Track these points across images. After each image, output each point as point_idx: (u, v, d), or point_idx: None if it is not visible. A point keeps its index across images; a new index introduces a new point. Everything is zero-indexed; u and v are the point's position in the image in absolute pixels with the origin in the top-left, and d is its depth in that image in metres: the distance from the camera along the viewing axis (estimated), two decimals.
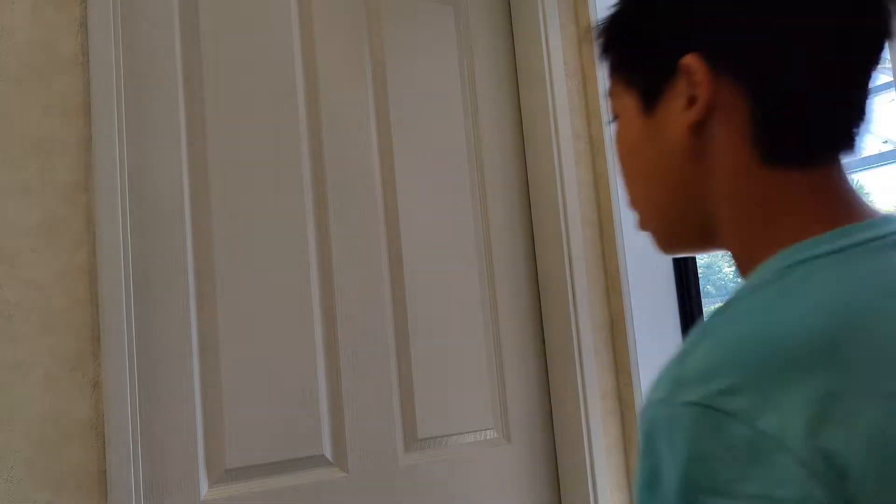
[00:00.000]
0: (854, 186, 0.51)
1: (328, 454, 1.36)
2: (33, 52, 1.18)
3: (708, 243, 0.57)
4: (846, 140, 0.51)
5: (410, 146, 1.53)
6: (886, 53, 0.49)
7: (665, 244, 0.60)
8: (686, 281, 1.67)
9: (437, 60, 1.60)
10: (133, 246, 1.21)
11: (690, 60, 0.51)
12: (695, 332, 0.46)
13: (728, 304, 0.47)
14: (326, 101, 1.45)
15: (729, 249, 0.55)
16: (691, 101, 0.51)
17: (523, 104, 1.68)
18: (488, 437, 1.54)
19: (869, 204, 0.51)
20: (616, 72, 0.59)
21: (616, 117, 0.60)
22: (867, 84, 0.51)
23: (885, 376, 0.39)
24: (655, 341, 1.61)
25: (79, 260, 1.18)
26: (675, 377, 0.43)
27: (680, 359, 0.44)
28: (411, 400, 1.45)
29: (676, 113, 0.53)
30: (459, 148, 1.59)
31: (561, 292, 1.58)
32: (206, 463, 1.25)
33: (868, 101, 0.51)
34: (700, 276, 1.85)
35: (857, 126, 0.51)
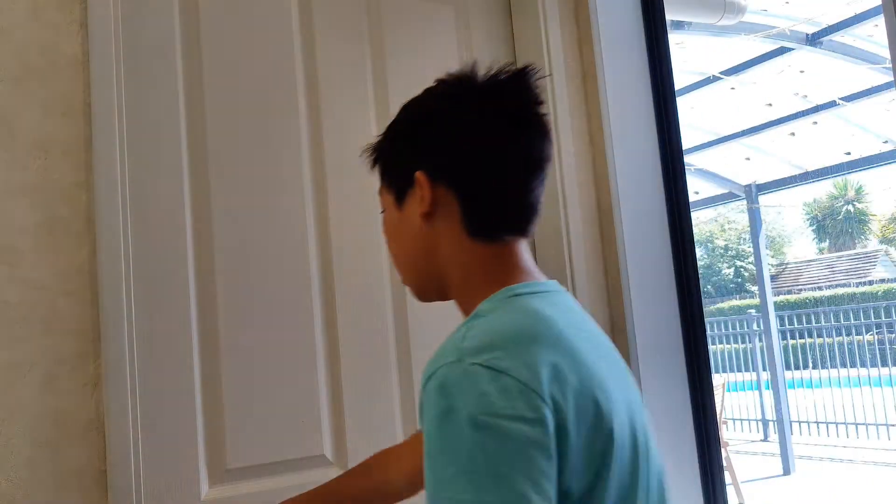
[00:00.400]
0: (530, 257, 0.82)
1: (328, 454, 1.36)
2: (33, 52, 1.18)
3: (447, 295, 0.84)
4: (523, 228, 0.82)
5: None
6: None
7: (419, 295, 0.88)
8: (686, 281, 1.67)
9: (437, 60, 1.60)
10: (133, 246, 1.21)
11: (418, 175, 0.80)
12: (459, 330, 0.72)
13: (476, 315, 0.75)
14: (327, 100, 1.45)
15: (456, 299, 0.83)
16: (422, 199, 0.80)
17: None
18: None
19: (537, 269, 0.82)
20: (381, 179, 0.87)
21: (383, 210, 0.88)
22: (538, 190, 0.81)
23: (576, 361, 0.71)
24: (655, 341, 1.61)
25: (79, 260, 1.18)
26: (459, 350, 0.68)
27: (458, 341, 0.70)
28: (412, 400, 1.45)
29: (414, 207, 0.82)
30: None
31: None
32: (206, 463, 1.25)
33: (540, 202, 0.82)
34: (700, 276, 1.84)
35: (531, 218, 0.82)
